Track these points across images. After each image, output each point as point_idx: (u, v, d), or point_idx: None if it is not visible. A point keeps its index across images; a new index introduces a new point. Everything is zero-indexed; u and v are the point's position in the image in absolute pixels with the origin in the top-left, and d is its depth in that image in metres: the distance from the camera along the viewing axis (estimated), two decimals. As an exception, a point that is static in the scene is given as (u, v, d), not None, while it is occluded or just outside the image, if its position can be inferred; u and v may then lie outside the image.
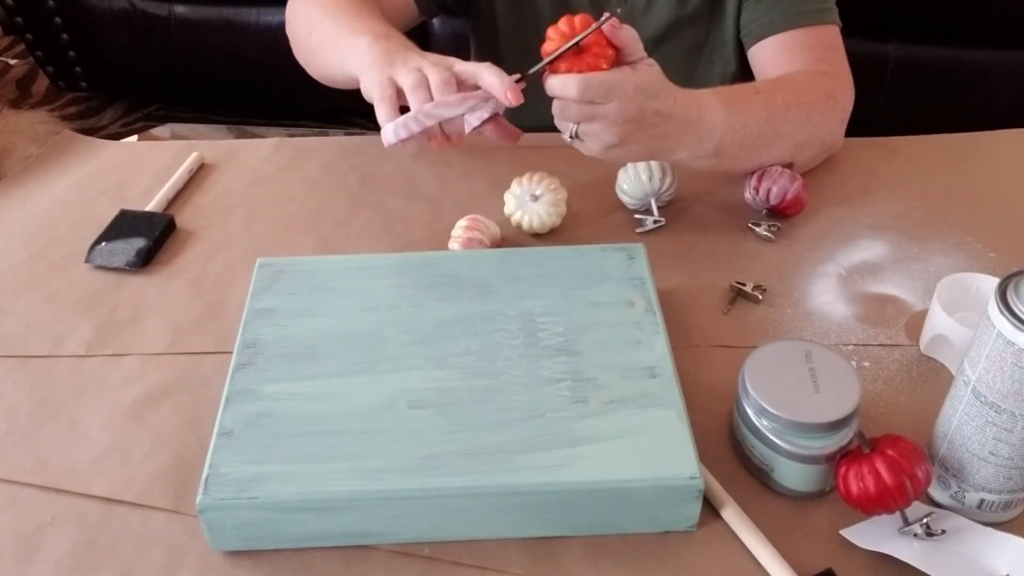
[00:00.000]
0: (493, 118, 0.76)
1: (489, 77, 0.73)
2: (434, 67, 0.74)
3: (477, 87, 0.74)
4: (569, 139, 0.76)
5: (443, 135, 0.74)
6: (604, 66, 0.72)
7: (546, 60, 0.72)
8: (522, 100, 0.73)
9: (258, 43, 2.09)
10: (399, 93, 0.74)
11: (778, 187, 0.83)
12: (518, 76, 0.73)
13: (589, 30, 0.71)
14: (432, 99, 0.72)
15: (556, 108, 0.74)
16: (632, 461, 0.59)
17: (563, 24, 0.72)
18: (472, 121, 0.75)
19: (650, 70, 0.74)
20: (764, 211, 0.86)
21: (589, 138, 0.75)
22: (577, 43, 0.71)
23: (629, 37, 0.73)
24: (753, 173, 0.85)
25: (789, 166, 0.85)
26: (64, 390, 0.72)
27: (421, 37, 1.94)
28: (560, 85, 0.72)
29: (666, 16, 0.99)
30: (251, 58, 2.12)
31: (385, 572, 0.59)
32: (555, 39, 0.72)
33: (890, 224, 0.87)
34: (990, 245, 0.84)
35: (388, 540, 0.60)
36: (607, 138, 0.74)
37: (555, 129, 0.77)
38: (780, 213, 0.85)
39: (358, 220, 0.88)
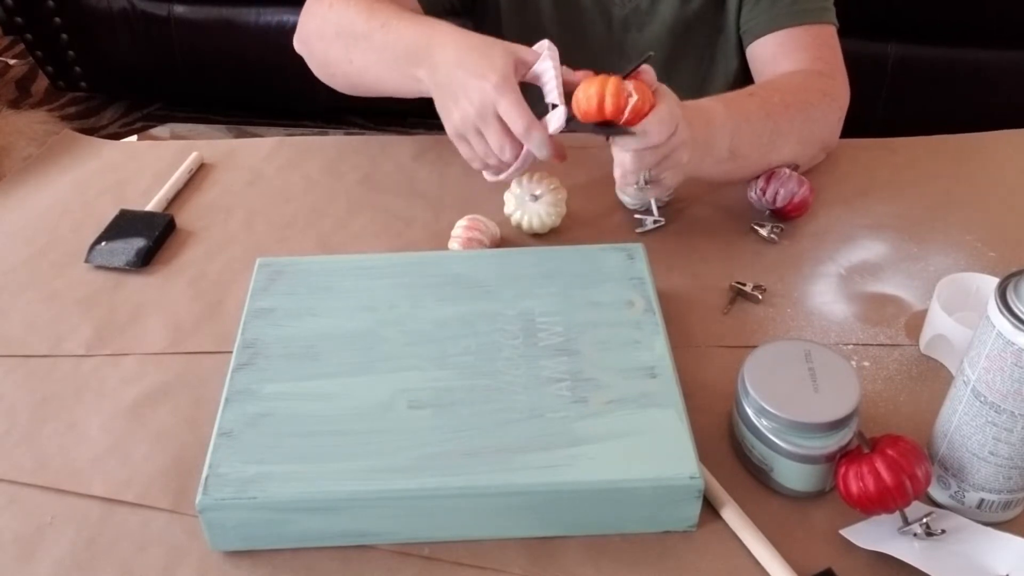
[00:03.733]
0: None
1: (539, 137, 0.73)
2: (524, 115, 0.73)
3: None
4: (643, 186, 0.75)
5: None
6: (648, 105, 0.71)
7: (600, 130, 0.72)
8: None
9: (258, 43, 2.09)
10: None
11: (786, 190, 0.83)
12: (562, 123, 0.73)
13: (630, 68, 0.71)
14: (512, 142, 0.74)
15: (633, 161, 0.73)
16: (632, 461, 0.59)
17: (594, 95, 0.70)
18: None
19: (671, 95, 0.74)
20: (767, 212, 0.86)
21: (668, 174, 0.75)
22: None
23: (648, 69, 0.74)
24: (760, 175, 0.85)
25: (796, 168, 0.86)
26: (64, 390, 0.72)
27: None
28: (654, 130, 0.71)
29: (671, 16, 0.99)
30: (251, 58, 2.12)
31: (385, 572, 0.59)
32: (586, 99, 0.71)
33: (890, 224, 0.87)
34: (990, 245, 0.84)
35: (388, 540, 0.60)
36: (682, 166, 0.75)
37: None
38: (784, 215, 0.85)
39: (358, 220, 0.88)
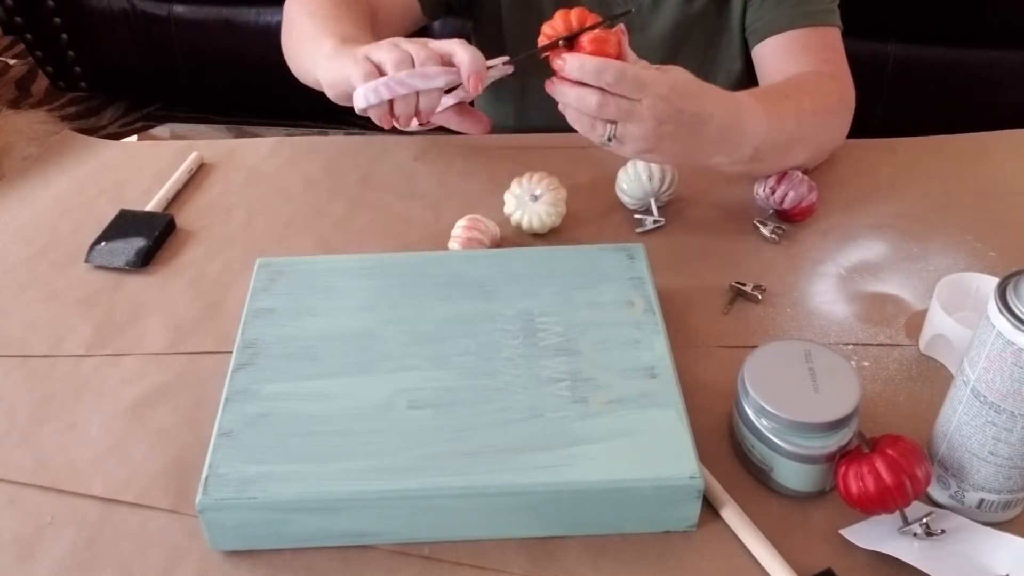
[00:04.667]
0: (459, 104, 0.73)
1: (462, 55, 0.69)
2: (413, 43, 0.70)
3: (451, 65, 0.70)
4: (607, 141, 0.71)
5: (414, 110, 0.71)
6: (615, 52, 0.68)
7: (546, 47, 0.68)
8: (480, 90, 0.69)
9: (258, 43, 2.09)
10: (377, 69, 0.71)
11: (795, 193, 0.83)
12: (506, 59, 0.70)
13: (594, 24, 0.68)
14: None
15: (576, 97, 0.69)
16: (632, 461, 0.59)
17: (558, 18, 0.69)
18: (447, 101, 0.72)
19: (682, 72, 0.72)
20: (771, 212, 0.85)
21: (624, 139, 0.71)
22: (579, 33, 0.68)
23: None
24: (772, 175, 0.85)
25: (807, 172, 0.86)
26: (64, 390, 0.72)
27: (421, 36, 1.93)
28: (592, 67, 0.66)
29: (674, 15, 0.99)
30: (251, 58, 2.12)
31: (384, 572, 0.59)
32: (549, 35, 0.69)
33: (890, 224, 0.87)
34: (990, 245, 0.84)
35: (387, 540, 0.60)
36: (641, 140, 0.70)
37: (561, 128, 0.74)
38: (788, 218, 0.85)
39: (358, 220, 0.88)
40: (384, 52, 0.71)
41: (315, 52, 0.79)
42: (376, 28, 0.99)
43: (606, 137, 0.71)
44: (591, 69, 0.67)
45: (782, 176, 0.84)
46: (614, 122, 0.70)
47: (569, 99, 0.70)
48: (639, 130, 0.70)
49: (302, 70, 0.88)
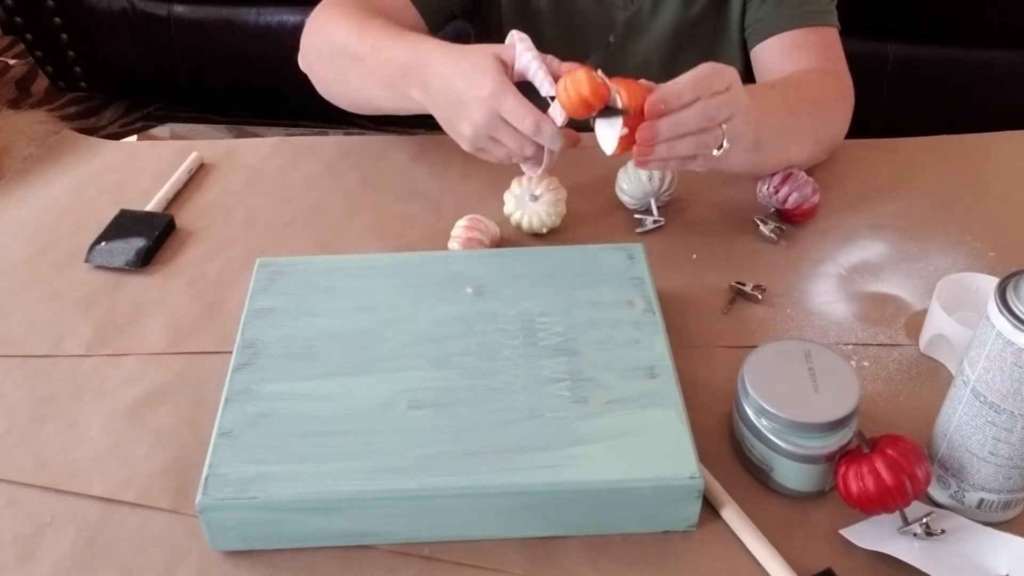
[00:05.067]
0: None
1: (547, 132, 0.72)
2: (518, 120, 0.73)
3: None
4: (719, 148, 0.72)
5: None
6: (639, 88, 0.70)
7: (602, 113, 0.69)
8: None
9: (258, 43, 2.09)
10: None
11: (799, 194, 0.83)
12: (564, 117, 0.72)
13: (594, 60, 0.70)
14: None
15: (674, 124, 0.69)
16: (632, 461, 0.59)
17: (571, 89, 0.68)
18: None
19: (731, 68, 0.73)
20: (773, 211, 0.85)
21: (735, 135, 0.72)
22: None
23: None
24: (776, 173, 0.84)
25: (809, 172, 0.85)
26: (64, 390, 0.72)
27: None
28: (685, 84, 0.68)
29: (674, 17, 0.99)
30: (250, 58, 2.12)
31: (384, 572, 0.59)
32: (569, 104, 0.69)
33: (890, 224, 0.87)
34: (990, 245, 0.84)
35: (387, 540, 0.60)
36: (748, 124, 0.73)
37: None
38: (789, 218, 0.85)
39: (358, 220, 0.88)
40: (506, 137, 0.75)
41: (401, 98, 0.82)
42: None
43: (720, 143, 0.71)
44: (688, 85, 0.69)
45: (786, 176, 0.84)
46: (718, 127, 0.71)
47: (672, 130, 0.69)
48: (743, 115, 0.71)
49: (381, 107, 0.88)
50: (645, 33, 1.00)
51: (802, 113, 0.84)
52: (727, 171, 0.85)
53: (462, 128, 0.76)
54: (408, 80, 0.80)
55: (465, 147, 0.78)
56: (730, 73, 0.72)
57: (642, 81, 0.71)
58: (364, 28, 0.85)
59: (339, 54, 0.87)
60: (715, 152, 0.72)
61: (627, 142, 0.70)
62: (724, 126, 0.71)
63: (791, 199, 0.83)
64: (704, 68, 0.70)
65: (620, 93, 0.68)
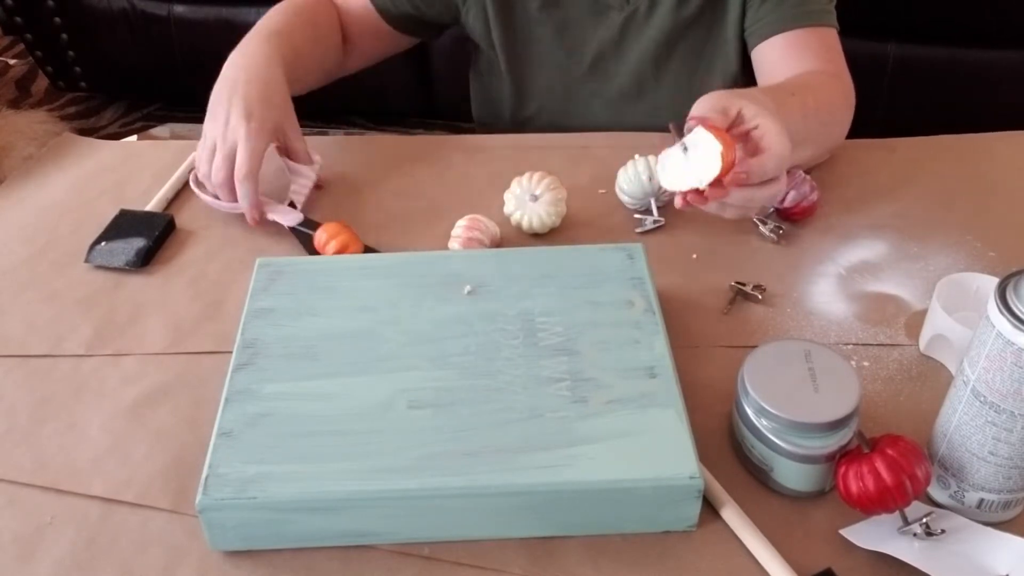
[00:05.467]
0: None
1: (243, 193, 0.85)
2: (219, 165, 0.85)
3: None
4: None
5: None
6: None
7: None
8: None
9: (258, 43, 2.09)
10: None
11: (797, 192, 0.83)
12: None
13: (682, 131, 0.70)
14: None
15: (746, 198, 0.71)
16: (632, 461, 0.59)
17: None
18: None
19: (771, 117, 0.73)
20: (772, 211, 0.85)
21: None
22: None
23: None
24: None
25: (807, 171, 0.85)
26: (64, 390, 0.72)
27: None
28: (768, 167, 0.70)
29: (668, 19, 0.99)
30: (251, 58, 2.12)
31: (384, 572, 0.59)
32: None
33: (890, 224, 0.87)
34: (990, 245, 0.84)
35: (387, 540, 0.60)
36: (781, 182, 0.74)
37: (560, 128, 0.75)
38: (788, 216, 0.85)
39: (358, 220, 0.88)
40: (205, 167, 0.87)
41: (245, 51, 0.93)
42: (350, 43, 1.02)
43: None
44: (772, 168, 0.70)
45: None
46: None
47: (740, 201, 0.72)
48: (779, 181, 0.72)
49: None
50: (640, 34, 1.00)
51: (815, 120, 0.84)
52: None
53: (216, 120, 0.86)
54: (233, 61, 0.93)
55: (204, 129, 0.88)
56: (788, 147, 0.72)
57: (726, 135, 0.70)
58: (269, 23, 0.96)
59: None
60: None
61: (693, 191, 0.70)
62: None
63: (789, 197, 0.83)
64: (783, 147, 0.70)
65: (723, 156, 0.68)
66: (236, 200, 0.85)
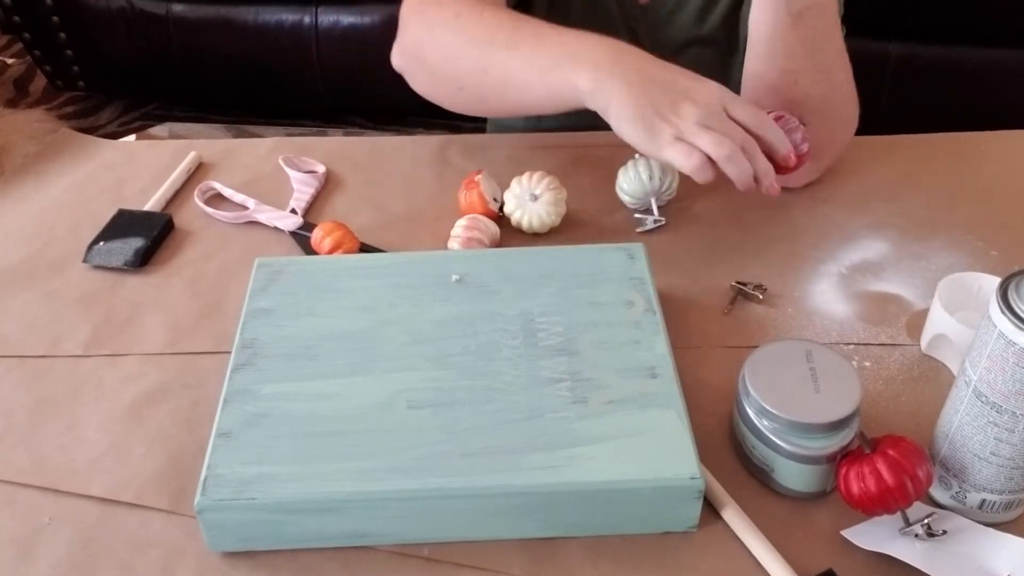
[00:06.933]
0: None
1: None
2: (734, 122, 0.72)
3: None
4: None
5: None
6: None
7: None
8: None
9: (256, 42, 2.09)
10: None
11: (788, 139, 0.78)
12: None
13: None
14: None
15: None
16: (632, 461, 0.58)
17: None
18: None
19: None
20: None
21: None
22: None
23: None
24: (771, 111, 0.79)
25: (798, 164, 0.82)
26: (62, 390, 0.72)
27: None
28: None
29: (685, 34, 0.99)
30: (249, 57, 2.12)
31: (384, 573, 0.59)
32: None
33: (891, 223, 0.87)
34: (991, 244, 0.83)
35: (387, 541, 0.60)
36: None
37: (570, 128, 0.76)
38: (777, 169, 0.78)
39: (358, 220, 0.88)
40: (710, 145, 0.70)
41: (557, 86, 0.75)
42: None
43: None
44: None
45: (778, 117, 0.79)
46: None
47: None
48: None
49: (519, 109, 0.82)
50: (658, 41, 0.99)
51: (841, 59, 0.84)
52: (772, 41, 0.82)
53: (665, 123, 0.70)
54: (577, 67, 0.73)
55: (665, 136, 0.70)
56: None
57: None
58: (516, 16, 0.79)
59: (482, 41, 0.78)
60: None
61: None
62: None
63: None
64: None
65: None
66: (765, 171, 0.73)
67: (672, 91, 0.71)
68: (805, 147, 0.80)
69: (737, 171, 0.71)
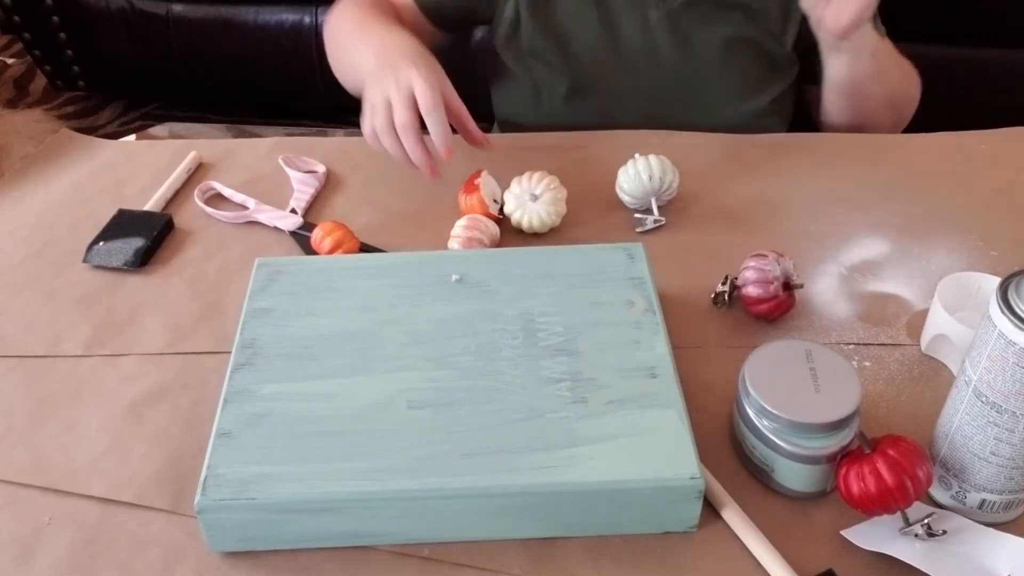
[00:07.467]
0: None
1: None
2: (425, 87, 0.81)
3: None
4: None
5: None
6: None
7: None
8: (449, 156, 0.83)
9: (256, 42, 2.09)
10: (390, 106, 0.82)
11: (765, 288, 0.74)
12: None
13: None
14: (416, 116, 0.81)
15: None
16: (632, 461, 0.58)
17: None
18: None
19: None
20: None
21: None
22: None
23: None
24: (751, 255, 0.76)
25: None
26: (62, 390, 0.72)
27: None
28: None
29: (720, 37, 0.99)
30: (249, 57, 2.12)
31: (384, 573, 0.59)
32: None
33: (891, 223, 0.87)
34: (991, 244, 0.83)
35: (387, 541, 0.60)
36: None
37: (576, 126, 0.85)
38: (756, 313, 0.75)
39: (358, 220, 0.88)
40: (394, 92, 0.82)
41: (359, 61, 0.92)
42: None
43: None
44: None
45: (762, 256, 0.75)
46: None
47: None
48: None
49: (351, 85, 0.97)
50: (702, 34, 1.00)
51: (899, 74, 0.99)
52: (848, 77, 0.95)
53: (379, 86, 0.82)
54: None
55: (365, 105, 0.85)
56: None
57: None
58: (365, 17, 0.96)
59: (337, 37, 1.00)
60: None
61: None
62: None
63: (750, 287, 0.74)
64: None
65: None
66: (412, 149, 0.82)
67: (385, 68, 0.84)
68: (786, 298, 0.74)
69: (388, 144, 0.83)
